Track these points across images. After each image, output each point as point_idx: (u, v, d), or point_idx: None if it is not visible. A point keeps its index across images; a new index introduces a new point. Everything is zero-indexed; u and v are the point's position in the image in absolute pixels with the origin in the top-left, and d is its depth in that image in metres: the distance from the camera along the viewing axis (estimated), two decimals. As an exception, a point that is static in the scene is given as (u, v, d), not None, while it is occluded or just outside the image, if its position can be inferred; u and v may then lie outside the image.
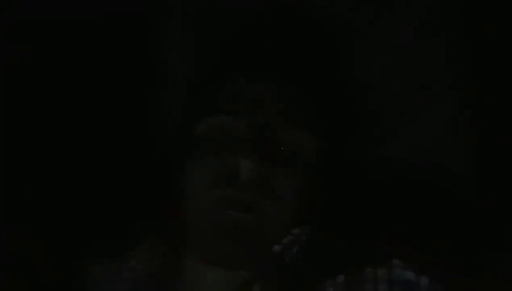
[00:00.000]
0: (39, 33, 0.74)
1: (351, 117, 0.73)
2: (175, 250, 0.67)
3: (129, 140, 0.78)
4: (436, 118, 0.73)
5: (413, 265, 0.59)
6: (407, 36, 0.74)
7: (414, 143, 0.74)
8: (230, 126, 0.63)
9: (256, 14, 0.74)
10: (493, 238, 0.66)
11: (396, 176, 0.73)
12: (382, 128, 0.75)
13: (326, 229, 0.64)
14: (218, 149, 0.63)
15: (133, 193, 0.74)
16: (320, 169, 0.65)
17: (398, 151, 0.74)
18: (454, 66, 0.72)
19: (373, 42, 0.75)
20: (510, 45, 0.67)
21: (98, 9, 0.75)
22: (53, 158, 0.74)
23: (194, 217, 0.63)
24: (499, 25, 0.69)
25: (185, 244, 0.66)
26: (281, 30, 0.71)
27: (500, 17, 0.69)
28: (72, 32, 0.75)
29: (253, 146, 0.61)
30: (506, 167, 0.68)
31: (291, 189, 0.62)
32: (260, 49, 0.67)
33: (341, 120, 0.70)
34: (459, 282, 0.60)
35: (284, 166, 0.62)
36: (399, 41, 0.74)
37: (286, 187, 0.62)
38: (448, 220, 0.69)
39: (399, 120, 0.74)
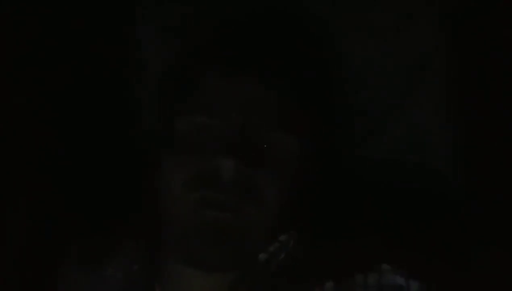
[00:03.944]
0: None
1: (336, 117, 0.72)
2: (154, 253, 0.66)
3: (104, 141, 0.76)
4: (421, 117, 0.73)
5: (403, 270, 0.58)
6: (391, 33, 0.73)
7: (400, 143, 0.73)
8: (209, 125, 0.62)
9: (237, 11, 0.73)
10: (482, 237, 0.66)
11: (382, 177, 0.73)
12: (367, 128, 0.74)
13: (313, 235, 0.63)
14: (197, 149, 0.61)
15: (108, 195, 0.72)
16: (306, 171, 0.64)
17: (383, 152, 0.74)
18: (440, 63, 0.72)
19: (356, 40, 0.74)
20: (499, 41, 0.67)
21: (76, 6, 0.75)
22: (19, 159, 0.71)
23: (172, 218, 0.61)
24: (485, 23, 0.68)
25: (164, 247, 0.64)
26: (263, 28, 0.69)
27: (485, 15, 0.68)
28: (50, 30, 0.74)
29: (232, 146, 0.59)
30: (492, 166, 0.68)
31: (274, 191, 0.61)
32: (244, 49, 0.65)
33: (325, 121, 0.69)
34: (448, 285, 0.59)
35: (266, 167, 0.61)
36: (384, 39, 0.73)
37: (268, 188, 0.60)
38: (436, 221, 0.68)
39: (384, 120, 0.74)
